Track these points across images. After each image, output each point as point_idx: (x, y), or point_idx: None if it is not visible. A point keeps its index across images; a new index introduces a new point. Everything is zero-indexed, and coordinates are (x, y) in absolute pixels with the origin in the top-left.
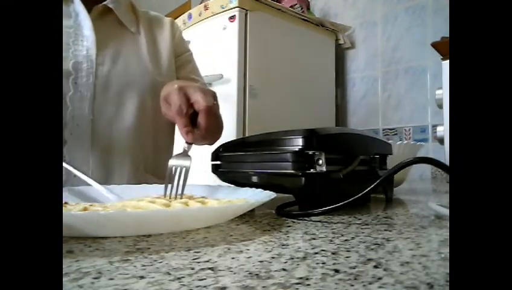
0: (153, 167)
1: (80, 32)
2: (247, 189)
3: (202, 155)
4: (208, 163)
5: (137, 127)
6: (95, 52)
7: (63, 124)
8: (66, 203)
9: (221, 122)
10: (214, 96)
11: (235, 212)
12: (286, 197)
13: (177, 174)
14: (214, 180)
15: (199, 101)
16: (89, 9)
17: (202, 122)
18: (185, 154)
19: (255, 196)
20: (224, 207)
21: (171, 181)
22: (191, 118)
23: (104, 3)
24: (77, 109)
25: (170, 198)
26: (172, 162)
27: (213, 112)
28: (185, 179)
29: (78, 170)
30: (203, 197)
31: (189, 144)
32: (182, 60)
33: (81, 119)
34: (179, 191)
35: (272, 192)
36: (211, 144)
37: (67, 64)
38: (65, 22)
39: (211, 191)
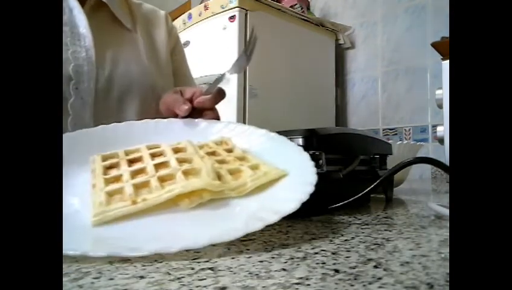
0: None
1: (76, 31)
2: (292, 147)
3: None
4: None
5: None
6: (94, 54)
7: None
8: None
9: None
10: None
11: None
12: None
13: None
14: None
15: (194, 92)
16: (82, 4)
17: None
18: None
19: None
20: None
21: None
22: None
23: None
24: (78, 116)
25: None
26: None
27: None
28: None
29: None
30: (243, 153)
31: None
32: (176, 62)
33: (82, 127)
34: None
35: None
36: None
37: (67, 68)
38: None
39: (249, 139)
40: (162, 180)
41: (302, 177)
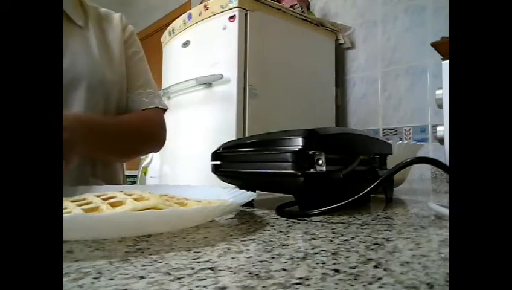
0: (102, 171)
1: None
2: (229, 189)
3: (202, 155)
4: (208, 163)
5: None
6: None
7: None
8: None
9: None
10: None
11: (212, 213)
12: (286, 197)
13: None
14: (215, 180)
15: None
16: None
17: None
18: None
19: (235, 197)
20: (199, 209)
21: None
22: None
23: None
24: None
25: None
26: None
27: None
28: None
29: None
30: (184, 198)
31: None
32: (128, 56)
33: None
34: None
35: (252, 193)
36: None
37: None
38: None
39: (193, 192)
40: (112, 205)
41: (240, 199)
